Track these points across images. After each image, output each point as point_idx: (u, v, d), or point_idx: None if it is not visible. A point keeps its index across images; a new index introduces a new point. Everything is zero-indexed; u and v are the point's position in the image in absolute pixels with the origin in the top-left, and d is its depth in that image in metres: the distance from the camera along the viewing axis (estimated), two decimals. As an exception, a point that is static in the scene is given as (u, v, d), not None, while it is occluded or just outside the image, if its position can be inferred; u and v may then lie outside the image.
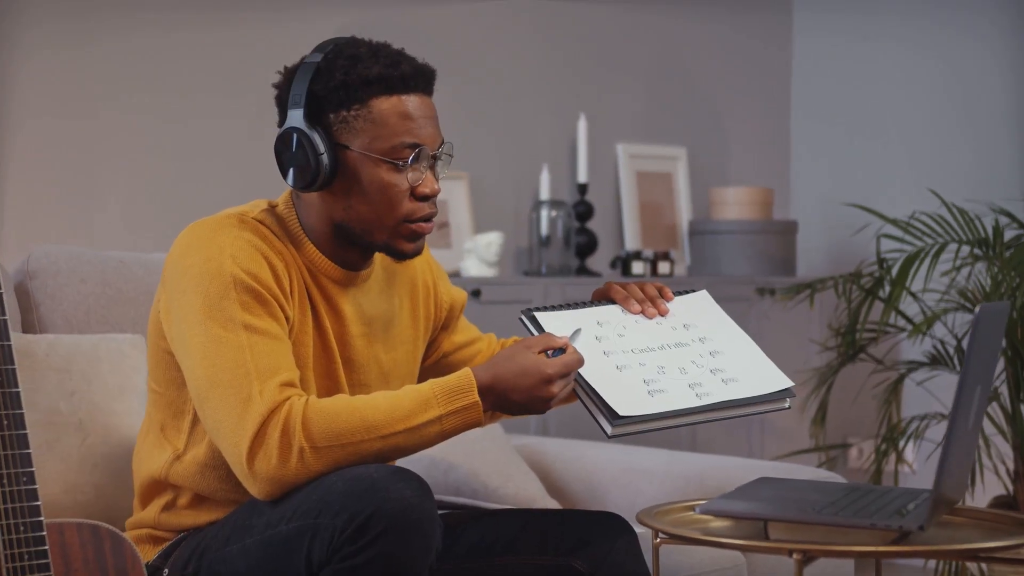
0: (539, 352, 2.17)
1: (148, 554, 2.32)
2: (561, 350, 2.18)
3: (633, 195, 4.88)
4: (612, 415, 2.16)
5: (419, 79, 2.25)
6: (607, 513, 2.42)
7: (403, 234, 2.26)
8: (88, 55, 3.82)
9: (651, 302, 2.37)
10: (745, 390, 2.27)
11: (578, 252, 4.58)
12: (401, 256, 2.29)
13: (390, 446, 2.12)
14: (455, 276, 4.25)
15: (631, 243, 4.81)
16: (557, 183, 4.66)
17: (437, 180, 2.28)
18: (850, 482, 2.51)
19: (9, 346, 2.07)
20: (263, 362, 2.13)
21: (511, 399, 2.17)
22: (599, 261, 4.73)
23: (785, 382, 2.31)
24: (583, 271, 4.57)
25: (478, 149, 4.55)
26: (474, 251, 4.28)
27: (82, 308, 2.83)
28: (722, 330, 2.38)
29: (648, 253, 4.67)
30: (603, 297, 2.39)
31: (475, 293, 4.09)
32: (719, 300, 4.53)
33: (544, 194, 4.55)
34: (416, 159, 2.23)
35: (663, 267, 4.63)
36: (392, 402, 2.13)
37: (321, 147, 2.20)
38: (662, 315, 2.36)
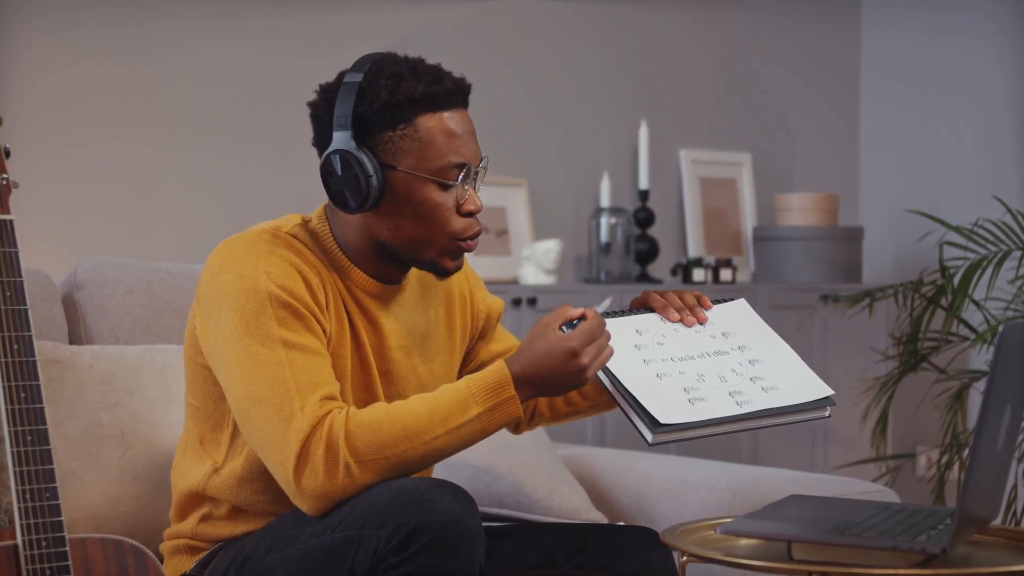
0: (558, 327, 2.16)
1: (185, 564, 2.33)
2: (582, 319, 2.16)
3: (696, 202, 4.84)
4: (653, 423, 2.14)
5: (460, 95, 2.25)
6: (642, 528, 2.41)
7: (450, 252, 2.26)
8: (140, 64, 3.85)
9: (690, 310, 2.35)
10: (785, 398, 2.25)
11: (638, 259, 4.56)
12: (445, 273, 2.29)
13: (433, 450, 2.12)
14: (513, 284, 4.24)
15: (694, 250, 4.78)
16: (618, 190, 4.64)
17: (478, 195, 2.28)
18: (883, 501, 2.47)
19: (34, 362, 2.09)
20: (303, 378, 2.13)
21: (546, 383, 2.15)
22: (660, 268, 4.70)
23: (825, 390, 2.29)
24: (643, 278, 4.54)
25: (538, 155, 4.54)
26: (532, 258, 4.27)
27: (128, 319, 2.84)
28: (761, 338, 2.36)
29: (710, 260, 4.64)
30: (641, 305, 2.37)
31: (532, 301, 4.08)
32: (783, 308, 4.51)
33: (604, 201, 4.53)
34: (463, 178, 2.23)
35: (725, 274, 4.59)
36: (431, 406, 2.12)
37: (370, 169, 2.19)
38: (701, 323, 2.34)
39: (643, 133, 4.61)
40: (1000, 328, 1.86)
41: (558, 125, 4.60)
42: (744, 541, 2.18)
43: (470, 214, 2.25)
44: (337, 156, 2.20)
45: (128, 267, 2.89)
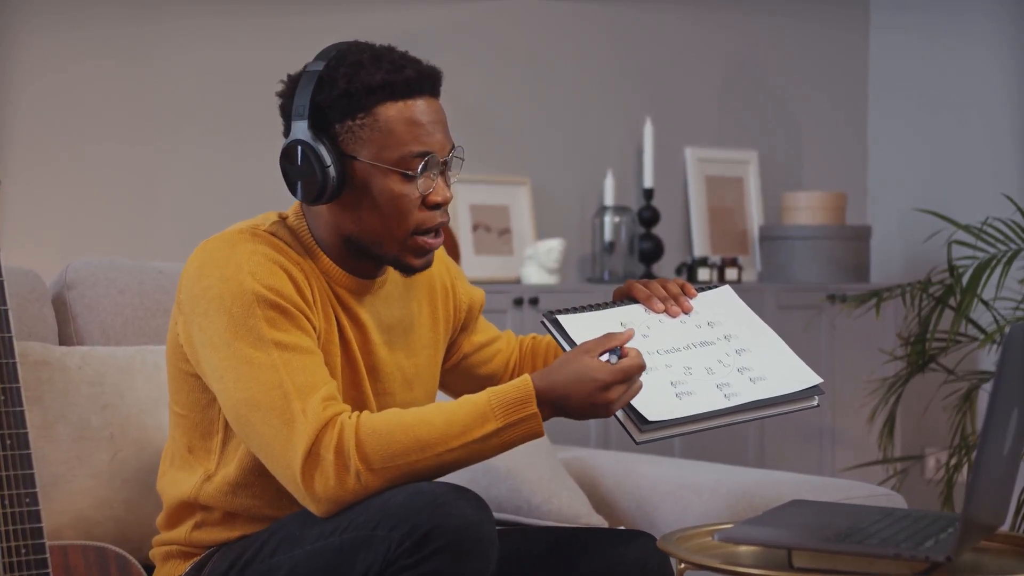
0: (598, 355, 2.10)
1: (179, 568, 2.30)
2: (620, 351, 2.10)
3: (702, 200, 4.80)
4: (640, 420, 2.09)
5: (424, 83, 2.19)
6: (637, 532, 2.36)
7: (411, 248, 2.21)
8: (135, 64, 3.82)
9: (674, 300, 2.30)
10: (774, 388, 2.19)
11: (643, 258, 4.51)
12: (409, 271, 2.25)
13: (446, 462, 2.08)
14: (515, 283, 4.20)
15: (700, 249, 4.73)
16: (622, 188, 4.59)
17: (449, 187, 2.22)
18: (887, 506, 2.42)
19: (14, 364, 2.05)
20: (300, 379, 2.09)
21: (569, 407, 2.10)
22: (665, 268, 4.66)
23: (813, 378, 2.23)
24: (648, 278, 4.48)
25: (541, 154, 4.50)
26: (535, 258, 4.23)
27: (119, 319, 2.81)
28: (747, 326, 2.31)
29: (715, 259, 4.59)
30: (625, 296, 2.32)
31: (534, 301, 4.03)
32: (789, 308, 4.46)
33: (608, 199, 4.49)
34: (426, 167, 2.18)
35: (731, 273, 4.55)
36: (447, 417, 2.08)
37: (327, 159, 2.15)
38: (686, 313, 2.29)
39: (648, 131, 4.56)
40: (1007, 328, 1.80)
41: (561, 123, 4.55)
42: (743, 548, 2.13)
43: (436, 205, 2.20)
44: (291, 147, 2.17)
45: (120, 267, 2.86)
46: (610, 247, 4.47)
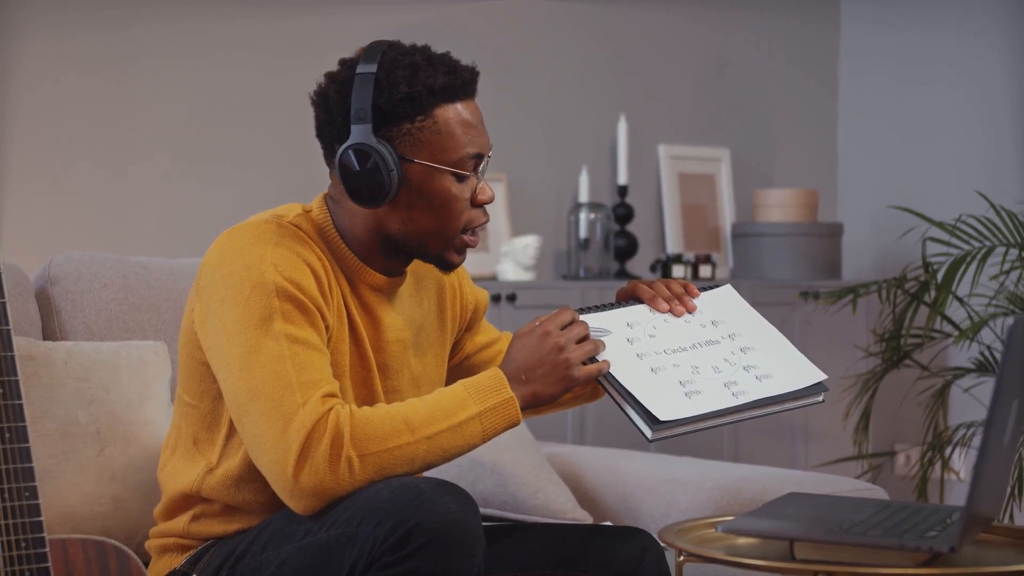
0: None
1: (175, 561, 2.28)
2: None
3: (675, 197, 4.81)
4: (652, 420, 2.10)
5: (474, 84, 2.22)
6: (633, 528, 2.36)
7: (457, 246, 2.23)
8: (119, 65, 3.80)
9: (678, 299, 2.31)
10: (780, 386, 2.21)
11: (617, 255, 4.52)
12: (450, 267, 2.26)
13: (435, 447, 2.08)
14: (491, 280, 4.20)
15: (672, 246, 4.74)
16: (596, 185, 4.60)
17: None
18: (883, 499, 2.43)
19: (12, 357, 2.02)
20: (305, 374, 2.08)
21: (533, 374, 2.12)
22: (639, 264, 4.67)
23: (818, 375, 2.25)
24: (622, 274, 4.51)
25: (516, 151, 4.50)
26: (511, 254, 4.23)
27: (104, 314, 2.79)
28: (750, 325, 2.32)
29: (689, 256, 4.60)
30: (629, 297, 2.33)
31: (511, 297, 4.04)
32: (763, 304, 4.45)
33: (583, 196, 4.49)
34: (478, 168, 2.21)
35: (704, 270, 4.56)
36: (430, 404, 2.10)
37: (391, 163, 2.15)
38: (690, 312, 2.30)
39: (622, 128, 4.58)
40: (1011, 320, 1.82)
41: (537, 120, 4.56)
42: (742, 540, 2.14)
43: (482, 204, 2.22)
44: (356, 151, 2.15)
45: (103, 261, 2.83)
46: (585, 244, 4.48)
